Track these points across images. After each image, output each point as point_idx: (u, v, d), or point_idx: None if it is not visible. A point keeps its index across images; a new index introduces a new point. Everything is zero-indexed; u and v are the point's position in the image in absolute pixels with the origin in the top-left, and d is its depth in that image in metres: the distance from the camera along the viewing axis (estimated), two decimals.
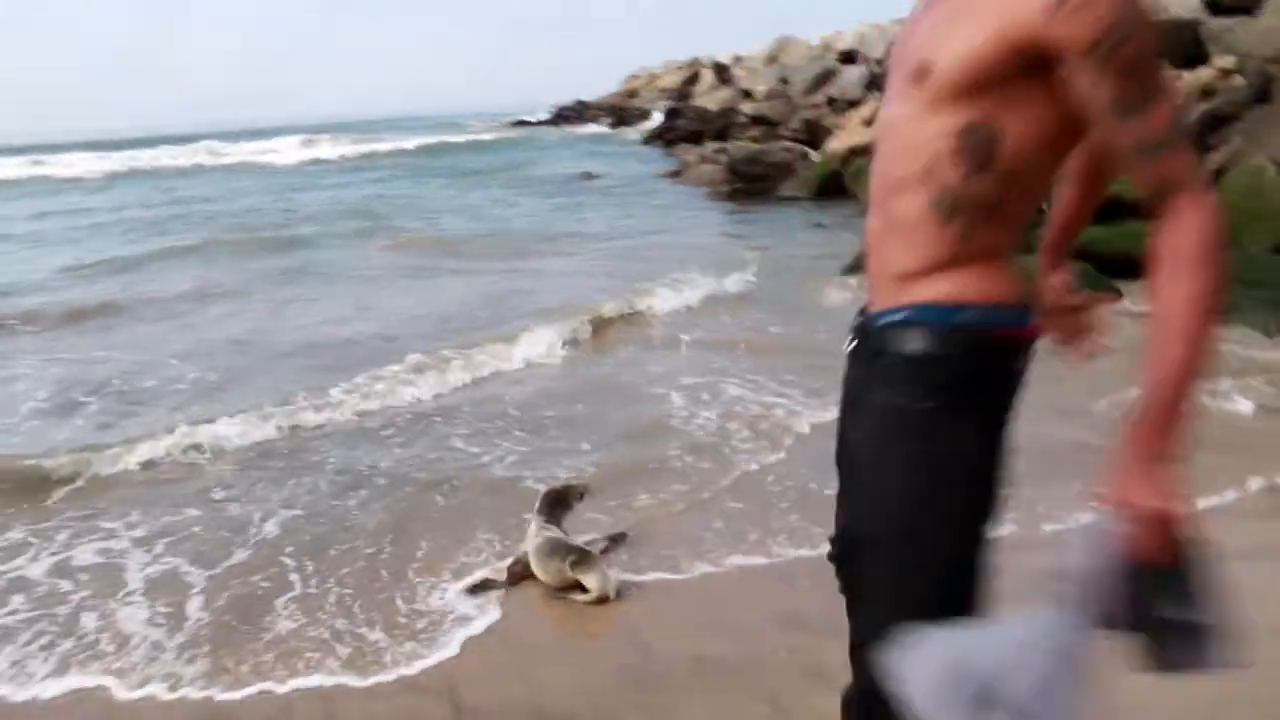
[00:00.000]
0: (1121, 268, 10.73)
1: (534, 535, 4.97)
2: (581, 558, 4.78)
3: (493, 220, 20.03)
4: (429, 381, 8.19)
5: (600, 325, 10.02)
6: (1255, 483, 5.64)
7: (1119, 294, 10.11)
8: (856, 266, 12.26)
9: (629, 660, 4.27)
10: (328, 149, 43.75)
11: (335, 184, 29.93)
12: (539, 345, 9.16)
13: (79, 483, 6.36)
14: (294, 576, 5.07)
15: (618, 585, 4.76)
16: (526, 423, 7.35)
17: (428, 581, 4.96)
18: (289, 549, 5.42)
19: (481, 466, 6.57)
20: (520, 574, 4.93)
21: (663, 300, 10.91)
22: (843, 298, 11.16)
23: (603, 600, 4.69)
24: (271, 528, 5.70)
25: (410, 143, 46.67)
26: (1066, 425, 6.64)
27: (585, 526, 5.37)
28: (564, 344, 9.32)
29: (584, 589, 4.72)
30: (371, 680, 4.15)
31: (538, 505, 5.15)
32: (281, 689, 4.10)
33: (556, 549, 4.83)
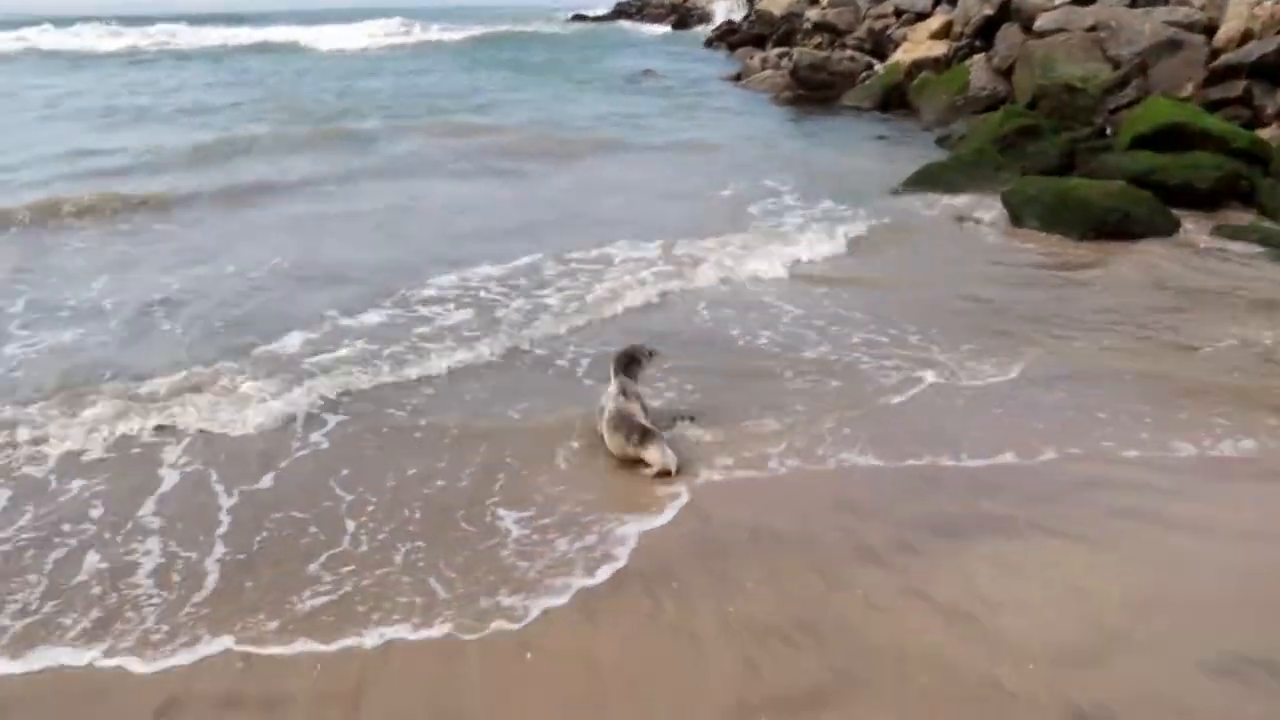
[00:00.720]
0: (1183, 197, 10.81)
1: (610, 398, 5.37)
2: (644, 435, 5.16)
3: (569, 119, 19.62)
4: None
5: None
6: None
7: (1178, 224, 10.19)
8: (913, 182, 12.36)
9: (692, 529, 4.65)
10: (387, 36, 43.45)
11: (404, 71, 29.82)
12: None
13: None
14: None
15: (679, 462, 5.14)
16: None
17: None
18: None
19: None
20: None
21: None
22: (917, 210, 11.32)
23: (664, 474, 5.07)
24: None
25: (471, 32, 46.25)
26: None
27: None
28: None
29: (646, 464, 5.12)
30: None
31: (613, 366, 5.57)
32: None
33: (621, 424, 5.21)
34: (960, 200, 11.55)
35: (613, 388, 5.44)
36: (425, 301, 8.02)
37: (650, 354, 5.73)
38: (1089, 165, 11.82)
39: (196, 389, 6.20)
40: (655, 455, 5.10)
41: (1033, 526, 4.65)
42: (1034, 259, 9.36)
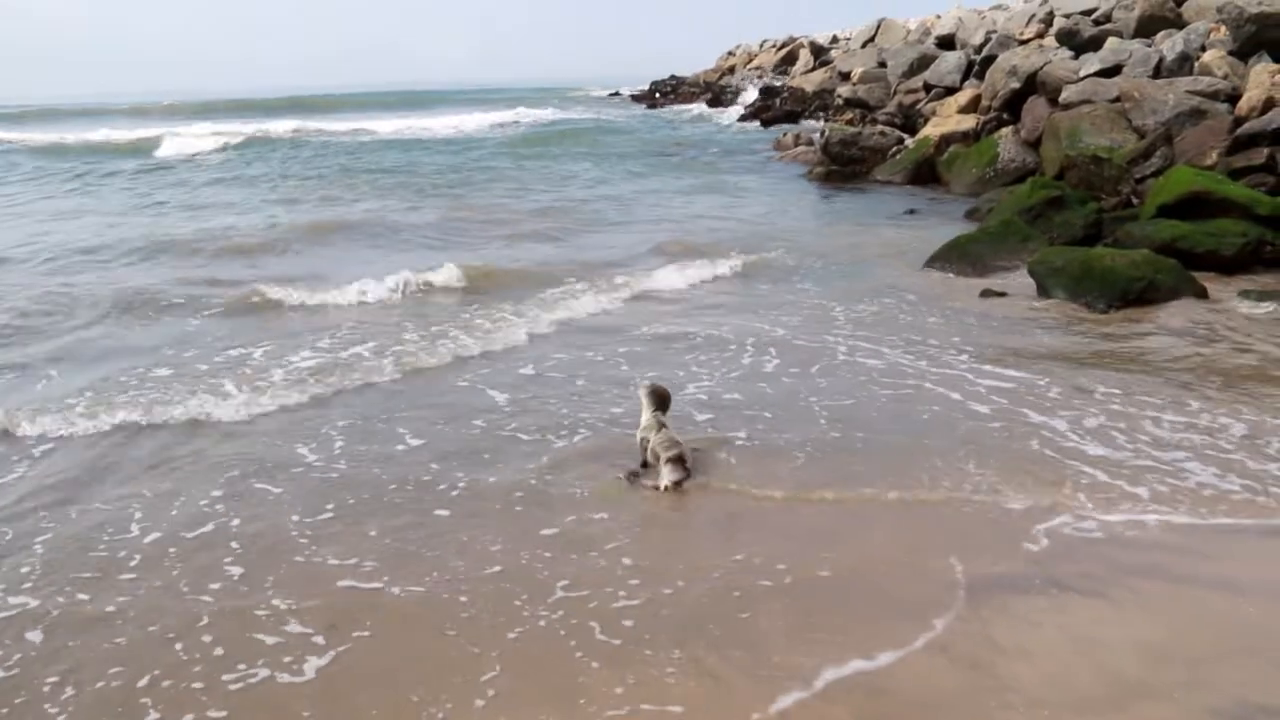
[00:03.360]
0: (1208, 264, 11.01)
1: (652, 429, 6.45)
2: (673, 460, 6.22)
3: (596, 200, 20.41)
4: None
5: None
6: None
7: (1204, 291, 10.35)
8: (941, 256, 12.61)
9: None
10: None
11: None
12: None
13: None
14: None
15: (676, 478, 6.17)
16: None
17: None
18: None
19: None
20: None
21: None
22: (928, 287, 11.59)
23: (668, 489, 6.15)
24: None
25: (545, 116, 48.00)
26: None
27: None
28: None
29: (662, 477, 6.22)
30: None
31: (651, 399, 6.65)
32: None
33: (671, 446, 6.28)
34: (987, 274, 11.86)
35: (653, 416, 6.53)
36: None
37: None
38: (1115, 234, 12.06)
39: None
40: (671, 476, 6.16)
41: (1049, 583, 4.86)
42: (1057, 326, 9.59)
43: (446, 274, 11.88)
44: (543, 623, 4.65)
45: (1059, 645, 4.36)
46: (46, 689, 4.25)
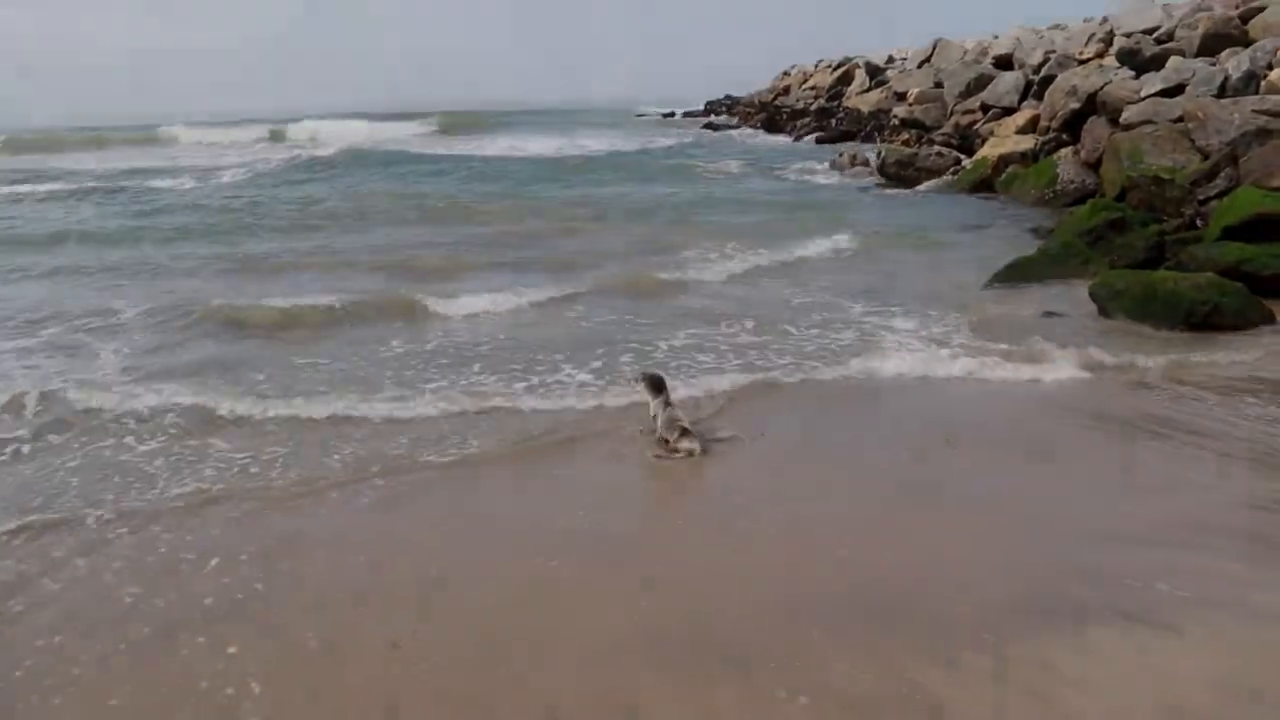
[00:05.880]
0: (1275, 288, 10.78)
1: (660, 407, 7.34)
2: (682, 433, 7.14)
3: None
4: None
5: None
6: None
7: (1272, 315, 10.15)
8: (1003, 277, 12.52)
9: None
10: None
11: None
12: None
13: None
14: None
15: (702, 447, 7.16)
16: None
17: None
18: None
19: None
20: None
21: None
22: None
23: (692, 454, 7.10)
24: None
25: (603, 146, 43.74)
26: None
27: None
28: None
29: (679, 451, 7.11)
30: None
31: (652, 386, 7.52)
32: None
33: (672, 426, 7.19)
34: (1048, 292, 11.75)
35: (658, 401, 7.42)
36: None
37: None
38: (1177, 257, 11.88)
39: None
40: (688, 445, 7.08)
41: (1113, 611, 4.79)
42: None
43: None
44: None
45: (1122, 676, 4.31)
46: None
